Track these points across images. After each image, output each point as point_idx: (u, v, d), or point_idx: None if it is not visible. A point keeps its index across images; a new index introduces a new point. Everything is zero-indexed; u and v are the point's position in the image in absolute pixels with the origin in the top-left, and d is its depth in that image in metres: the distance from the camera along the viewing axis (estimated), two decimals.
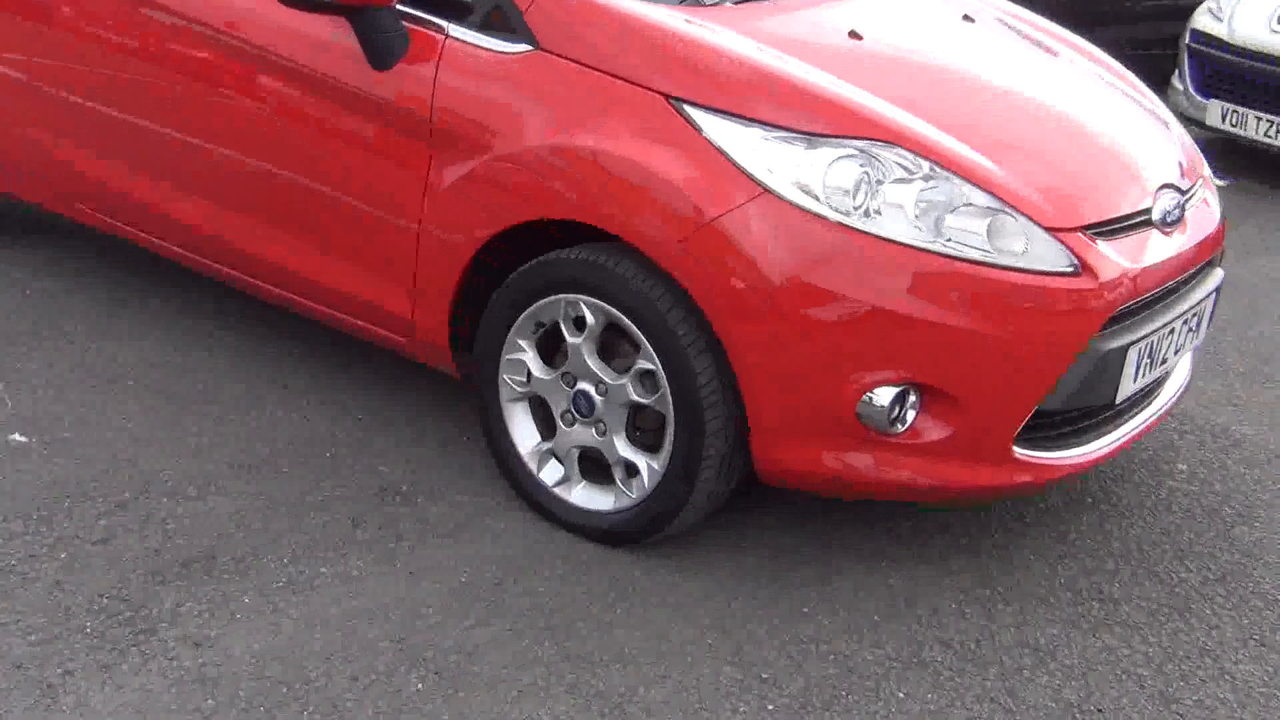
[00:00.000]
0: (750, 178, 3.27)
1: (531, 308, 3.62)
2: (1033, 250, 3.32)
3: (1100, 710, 3.20)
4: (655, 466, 3.54)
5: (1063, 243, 3.36)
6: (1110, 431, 3.73)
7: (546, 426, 3.80)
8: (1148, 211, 3.66)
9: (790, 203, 3.26)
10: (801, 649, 3.32)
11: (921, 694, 3.21)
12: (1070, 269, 3.34)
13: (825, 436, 3.37)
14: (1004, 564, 3.77)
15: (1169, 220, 3.68)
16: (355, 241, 3.93)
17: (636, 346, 3.51)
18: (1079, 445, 3.64)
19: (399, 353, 4.05)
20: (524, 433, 3.79)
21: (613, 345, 3.57)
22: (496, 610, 3.37)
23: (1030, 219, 3.34)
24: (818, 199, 3.25)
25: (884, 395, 3.30)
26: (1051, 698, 3.23)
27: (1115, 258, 3.44)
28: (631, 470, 3.62)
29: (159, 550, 3.49)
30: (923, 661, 3.32)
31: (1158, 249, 3.60)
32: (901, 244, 3.25)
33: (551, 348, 3.72)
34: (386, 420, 4.25)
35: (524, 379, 3.74)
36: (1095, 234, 3.44)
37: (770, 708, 3.11)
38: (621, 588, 3.51)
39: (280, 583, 3.40)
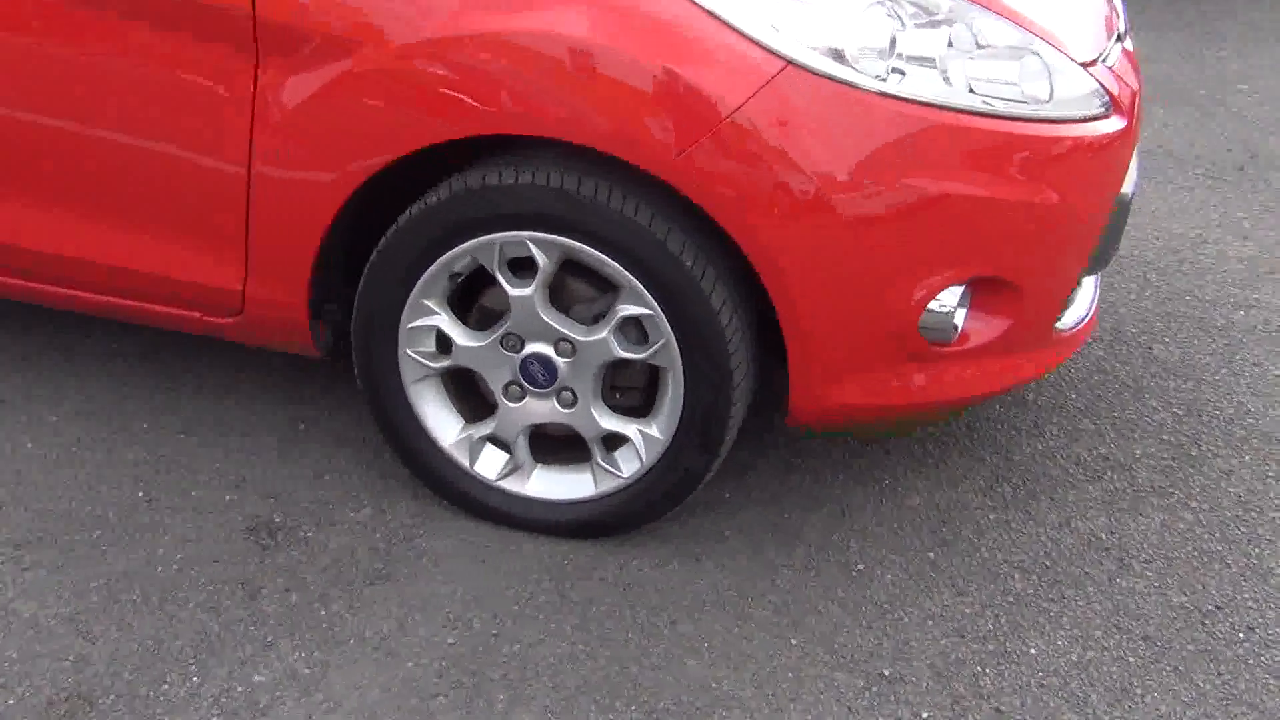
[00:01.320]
0: (769, 50, 2.44)
1: (445, 256, 2.65)
2: (1067, 92, 2.69)
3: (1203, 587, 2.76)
4: (656, 434, 2.71)
5: (1095, 79, 2.75)
6: (1093, 289, 3.25)
7: (469, 406, 2.86)
8: (1105, 54, 3.12)
9: (821, 74, 2.45)
10: (895, 624, 2.67)
11: (1050, 632, 2.65)
12: (1102, 109, 2.75)
13: (879, 360, 2.66)
14: (1009, 467, 3.23)
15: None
16: (149, 201, 2.76)
17: (602, 289, 2.65)
18: (1081, 307, 3.12)
19: (216, 336, 2.93)
20: (442, 420, 2.84)
21: (561, 291, 2.68)
22: (517, 682, 2.49)
23: (1063, 53, 2.71)
24: (851, 65, 2.47)
25: (950, 298, 2.62)
26: (1160, 601, 2.75)
27: (1122, 95, 2.88)
28: (611, 444, 2.77)
29: None
30: (1017, 597, 2.75)
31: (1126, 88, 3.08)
32: (950, 108, 2.54)
33: (461, 306, 2.77)
34: (217, 435, 3.13)
35: (435, 351, 2.77)
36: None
37: (918, 710, 2.46)
38: (653, 600, 2.70)
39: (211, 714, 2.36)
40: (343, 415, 3.21)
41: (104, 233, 2.82)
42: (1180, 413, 3.47)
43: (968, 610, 2.73)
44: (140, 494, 2.91)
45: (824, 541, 2.90)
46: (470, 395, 2.88)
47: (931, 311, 2.61)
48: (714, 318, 2.57)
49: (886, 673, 2.56)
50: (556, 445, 2.85)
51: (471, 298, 2.77)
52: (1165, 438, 3.35)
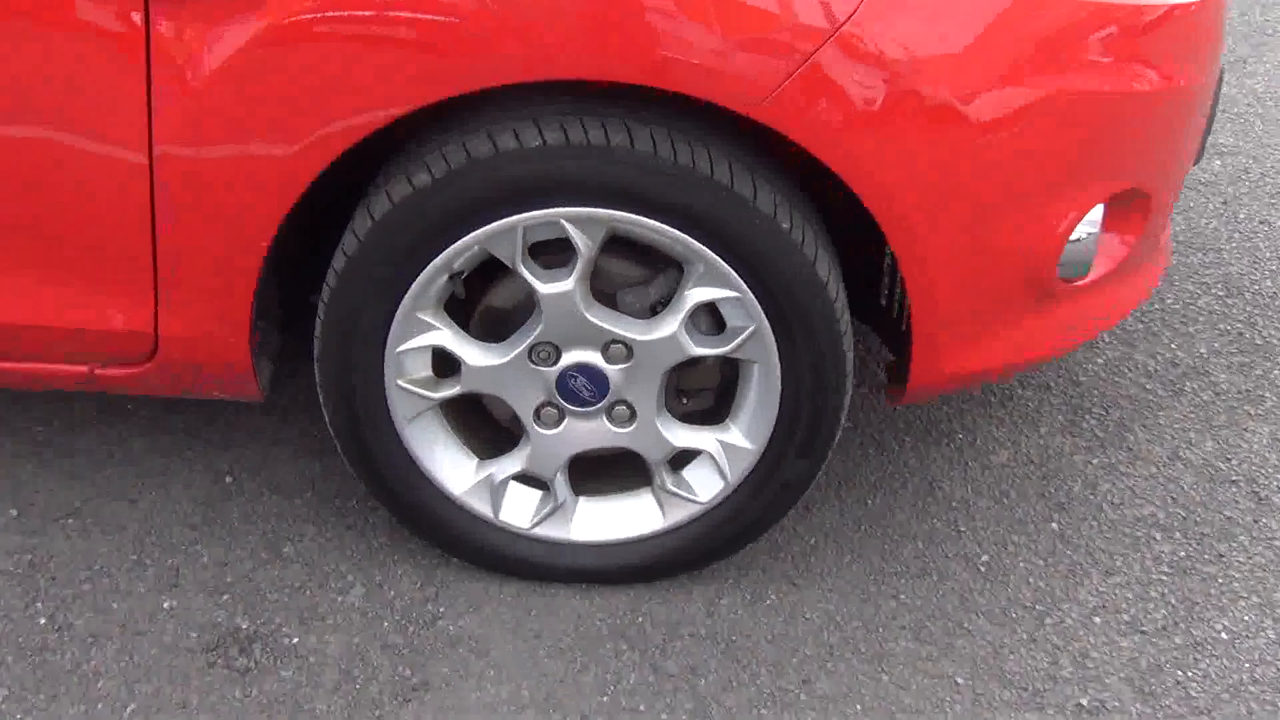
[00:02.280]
0: None
1: (446, 252, 1.93)
2: None
3: None
4: (742, 442, 2.08)
5: None
6: None
7: (479, 437, 2.18)
8: None
9: None
10: (1060, 630, 2.16)
11: (1229, 605, 2.18)
12: None
13: (1012, 311, 2.10)
14: (1081, 393, 2.74)
15: None
16: (18, 225, 1.94)
17: (653, 268, 2.00)
18: None
19: (117, 391, 2.15)
20: (450, 462, 2.14)
21: (598, 278, 2.01)
22: None
23: None
24: None
25: (1091, 223, 2.06)
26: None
27: None
28: (676, 462, 2.14)
29: None
30: (1172, 565, 2.28)
31: None
32: None
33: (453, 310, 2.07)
34: (115, 514, 2.34)
35: (433, 376, 2.07)
36: None
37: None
38: (767, 654, 2.11)
39: None
40: (282, 460, 2.46)
41: None
42: (1220, 293, 3.04)
43: (1128, 595, 2.23)
44: (40, 620, 2.13)
45: (929, 531, 2.35)
46: (478, 422, 2.19)
47: (1073, 242, 2.05)
48: (822, 291, 1.95)
49: (1084, 702, 2.05)
50: (594, 467, 2.20)
51: (461, 297, 2.07)
52: (1221, 326, 2.91)
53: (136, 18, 1.79)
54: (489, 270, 2.06)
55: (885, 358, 2.57)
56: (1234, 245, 3.24)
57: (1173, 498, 2.44)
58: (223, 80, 1.80)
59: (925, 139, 1.87)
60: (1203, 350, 2.84)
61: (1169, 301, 2.99)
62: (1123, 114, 2.02)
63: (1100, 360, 2.79)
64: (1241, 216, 3.36)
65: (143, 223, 1.92)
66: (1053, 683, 2.07)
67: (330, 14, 1.76)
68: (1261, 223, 3.33)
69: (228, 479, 2.41)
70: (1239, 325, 2.92)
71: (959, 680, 2.07)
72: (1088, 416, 2.63)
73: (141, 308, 1.99)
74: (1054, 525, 2.37)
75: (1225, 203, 3.39)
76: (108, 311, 2.00)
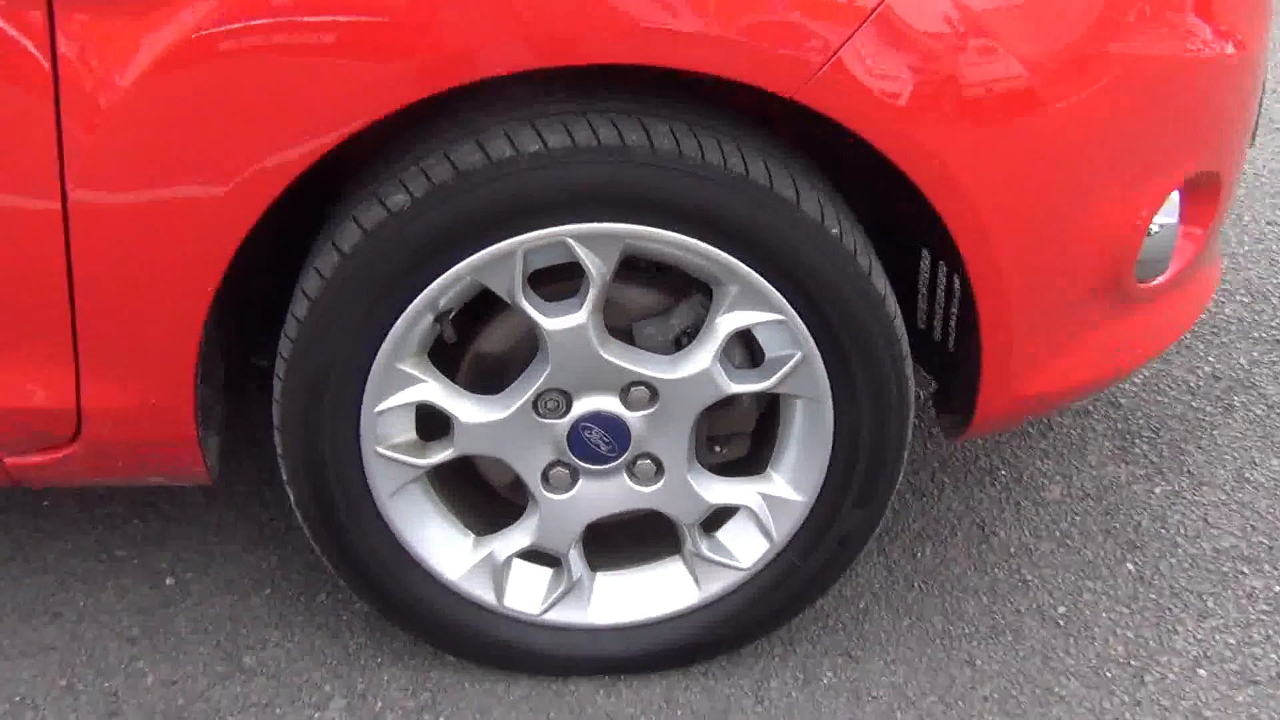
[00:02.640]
0: None
1: (432, 286, 1.60)
2: None
3: None
4: (789, 494, 1.76)
5: None
6: None
7: (470, 508, 1.84)
8: None
9: None
10: (1169, 690, 1.85)
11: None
12: None
13: (1089, 321, 1.81)
14: (1124, 416, 2.45)
15: None
16: None
17: (672, 293, 1.69)
18: None
19: (38, 482, 1.78)
20: (441, 540, 1.79)
21: (609, 310, 1.69)
22: None
23: None
24: None
25: (1170, 211, 1.79)
26: None
27: None
28: (710, 524, 1.81)
29: None
30: (1274, 603, 1.99)
31: None
32: None
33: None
34: (33, 632, 1.97)
35: (416, 440, 1.72)
36: None
37: None
38: None
39: None
40: (232, 553, 2.09)
41: None
42: (1245, 299, 2.80)
43: (1230, 640, 1.94)
44: None
45: (991, 583, 2.04)
46: (470, 492, 1.85)
47: (1152, 235, 1.77)
48: (881, 307, 1.65)
49: None
50: (610, 536, 1.86)
51: (450, 341, 1.73)
52: (1255, 335, 2.67)
53: (40, 41, 1.45)
54: (475, 308, 1.73)
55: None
56: (1246, 250, 3.01)
57: (1251, 525, 2.16)
58: (137, 109, 1.46)
59: (995, 119, 1.58)
60: (1243, 361, 2.58)
61: None
62: (1196, 84, 1.76)
63: (1137, 379, 2.52)
64: (1247, 219, 3.13)
65: (57, 276, 1.56)
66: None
67: (244, 23, 1.44)
68: (1269, 224, 3.12)
69: (168, 580, 2.03)
70: (1274, 331, 2.67)
71: None
72: (1138, 441, 2.35)
73: (59, 378, 1.63)
74: (1129, 566, 2.08)
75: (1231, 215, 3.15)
76: (19, 386, 1.64)
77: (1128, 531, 2.14)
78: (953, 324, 1.89)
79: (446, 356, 1.72)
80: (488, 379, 1.73)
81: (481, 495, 1.85)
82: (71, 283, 1.56)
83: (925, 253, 1.96)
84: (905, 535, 2.13)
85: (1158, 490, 2.23)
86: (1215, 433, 2.37)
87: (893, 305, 1.66)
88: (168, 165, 1.50)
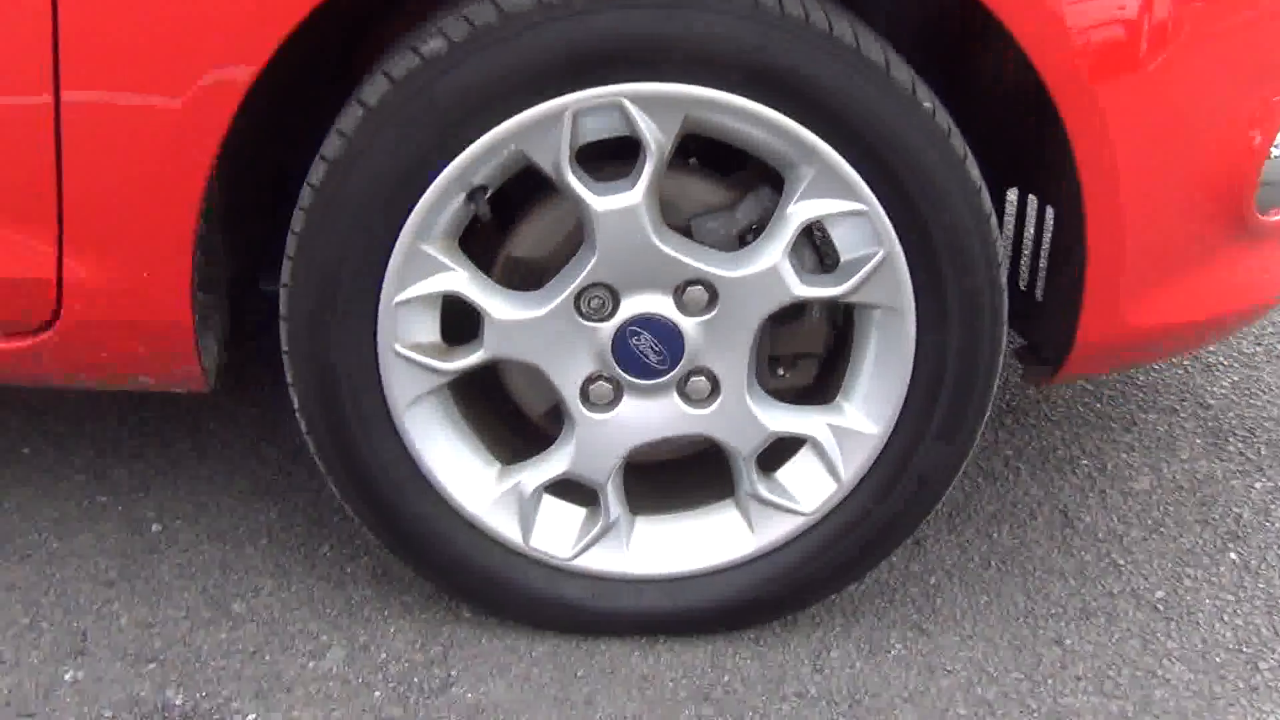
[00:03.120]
0: None
1: (463, 155, 1.40)
2: None
3: None
4: (863, 425, 1.55)
5: None
6: None
7: (496, 436, 1.62)
8: None
9: None
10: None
11: None
12: None
13: (1206, 247, 1.60)
14: (1213, 415, 2.23)
15: None
16: None
17: (740, 191, 1.49)
18: None
19: (11, 377, 1.57)
20: (462, 463, 1.57)
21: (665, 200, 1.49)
22: None
23: None
24: None
25: None
26: None
27: None
28: (767, 461, 1.59)
29: None
30: None
31: None
32: None
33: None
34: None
35: (440, 342, 1.51)
36: None
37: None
38: None
39: None
40: (227, 506, 1.88)
41: None
42: None
43: None
44: None
45: (1078, 566, 1.81)
46: (500, 423, 1.64)
47: (1274, 158, 1.57)
48: (976, 201, 1.45)
49: None
50: (650, 484, 1.64)
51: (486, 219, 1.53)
52: None
53: None
54: (510, 210, 1.54)
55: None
56: None
57: None
58: None
59: (1129, 37, 1.40)
60: None
61: None
62: None
63: (1226, 383, 2.30)
64: None
65: (41, 128, 1.37)
66: None
67: None
68: None
69: (154, 527, 1.81)
70: None
71: None
72: (1231, 439, 2.12)
73: (41, 247, 1.43)
74: (1233, 556, 1.84)
75: None
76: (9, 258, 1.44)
77: (1228, 522, 1.91)
78: (1043, 269, 1.69)
79: (477, 262, 1.52)
80: (522, 289, 1.52)
81: (512, 426, 1.64)
82: (59, 126, 1.38)
83: (1012, 194, 1.78)
84: (979, 517, 1.90)
85: (1258, 486, 2.00)
86: None
87: (988, 201, 1.46)
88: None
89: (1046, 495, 1.96)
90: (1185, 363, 2.35)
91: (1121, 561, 1.82)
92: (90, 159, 1.39)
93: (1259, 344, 2.44)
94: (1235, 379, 2.32)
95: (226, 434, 2.01)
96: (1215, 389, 2.28)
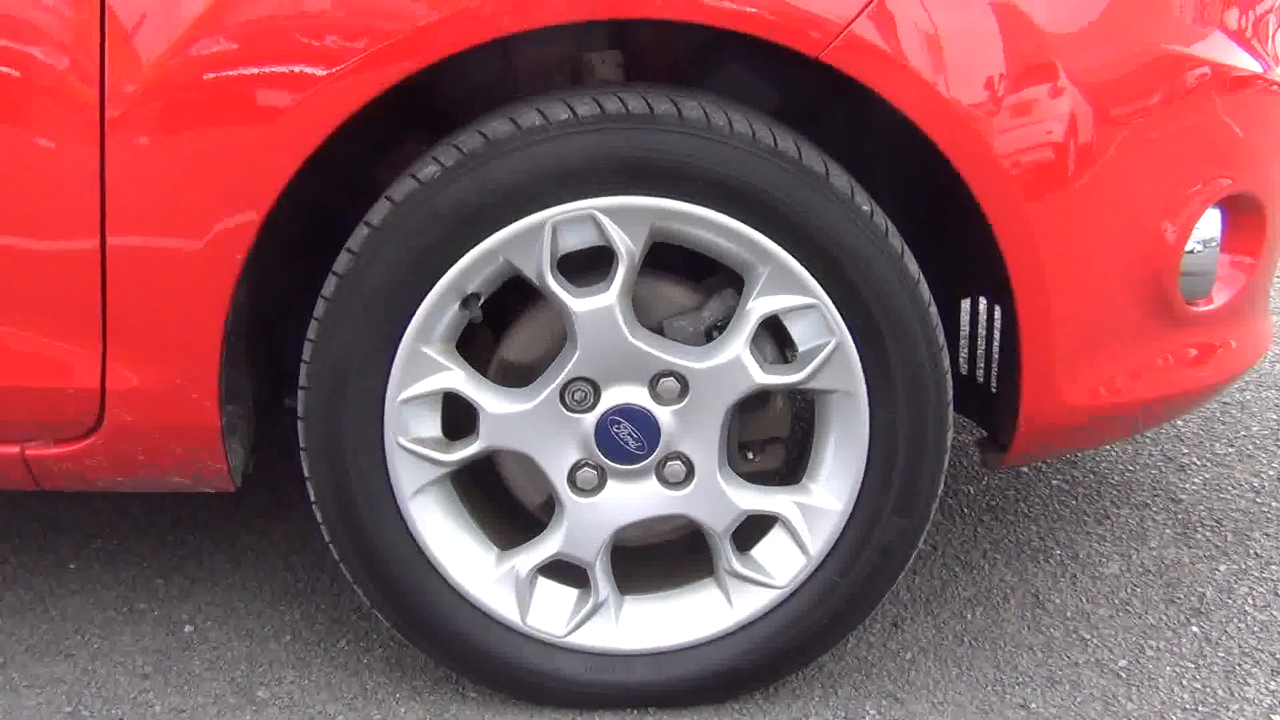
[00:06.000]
0: None
1: (459, 265, 1.60)
2: None
3: None
4: (827, 502, 1.70)
5: None
6: None
7: (494, 524, 1.78)
8: None
9: None
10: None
11: None
12: None
13: (1135, 333, 1.76)
14: (1181, 508, 2.36)
15: None
16: None
17: (706, 295, 1.69)
18: None
19: (59, 481, 1.74)
20: (463, 550, 1.73)
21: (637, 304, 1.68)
22: None
23: None
24: None
25: (1209, 228, 1.77)
26: None
27: None
28: (744, 543, 1.74)
29: None
30: None
31: None
32: None
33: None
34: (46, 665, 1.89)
35: (441, 437, 1.68)
36: None
37: None
38: None
39: None
40: (256, 607, 2.03)
41: None
42: None
43: None
44: None
45: (1046, 641, 1.93)
46: (497, 511, 1.80)
47: (1191, 252, 1.74)
48: (915, 290, 1.62)
49: None
50: (638, 566, 1.79)
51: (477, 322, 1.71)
52: None
53: None
54: (503, 318, 1.72)
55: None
56: None
57: None
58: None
59: (1054, 142, 1.59)
60: None
61: (1254, 429, 2.65)
62: (1233, 103, 1.76)
63: (1197, 480, 2.43)
64: None
65: (90, 252, 1.58)
66: None
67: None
68: None
69: (187, 628, 1.97)
70: None
71: None
72: (1199, 529, 2.25)
73: (86, 358, 1.62)
74: (1194, 629, 1.96)
75: None
76: (46, 366, 1.63)
77: (1191, 600, 2.03)
78: (994, 361, 1.86)
79: (473, 365, 1.70)
80: (517, 380, 1.70)
81: (509, 517, 1.80)
82: (104, 259, 1.58)
83: (965, 303, 1.95)
84: (955, 601, 2.03)
85: (1222, 569, 2.12)
86: None
87: (926, 290, 1.63)
88: (204, 124, 1.53)
89: (1020, 581, 2.09)
90: (1159, 463, 2.48)
91: (1088, 636, 1.94)
92: (129, 291, 1.58)
93: (1231, 445, 2.57)
94: (1207, 476, 2.45)
95: (259, 547, 2.17)
96: (1187, 485, 2.41)
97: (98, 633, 1.95)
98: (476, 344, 1.71)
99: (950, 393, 1.67)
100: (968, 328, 1.97)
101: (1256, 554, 2.17)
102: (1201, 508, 2.32)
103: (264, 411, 1.88)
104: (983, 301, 1.93)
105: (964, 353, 1.97)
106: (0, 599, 2.03)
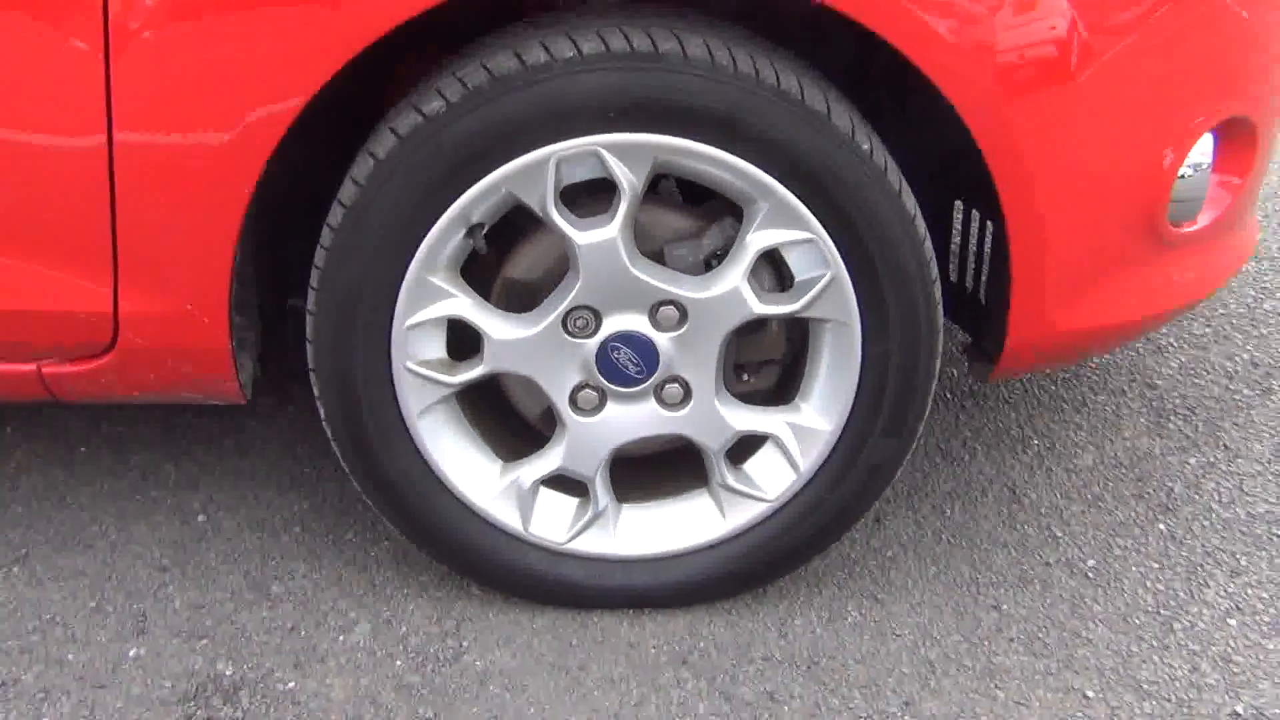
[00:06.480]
0: None
1: (464, 197, 1.63)
2: None
3: None
4: (817, 423, 1.77)
5: None
6: None
7: (497, 436, 1.85)
8: None
9: None
10: (1195, 634, 1.83)
11: None
12: None
13: (1121, 259, 1.81)
14: (1159, 396, 2.44)
15: None
16: None
17: (704, 215, 1.71)
18: None
19: (73, 395, 1.80)
20: (469, 464, 1.81)
21: (639, 231, 1.71)
22: None
23: None
24: None
25: (1202, 153, 1.80)
26: None
27: None
28: (734, 454, 1.81)
29: None
30: None
31: None
32: None
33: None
34: (66, 557, 1.98)
35: (447, 358, 1.74)
36: None
37: None
38: (858, 678, 1.77)
39: None
40: (264, 497, 2.11)
41: None
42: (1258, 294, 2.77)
43: (1263, 595, 1.93)
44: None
45: (1020, 539, 2.03)
46: (500, 423, 1.86)
47: (1184, 177, 1.78)
48: (911, 227, 1.66)
49: (1239, 710, 1.72)
50: (635, 476, 1.87)
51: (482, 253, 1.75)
52: None
53: None
54: (507, 237, 1.76)
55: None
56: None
57: None
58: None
59: (1029, 45, 1.60)
60: (1277, 349, 2.56)
61: (1232, 307, 2.72)
62: (1229, 31, 1.77)
63: (1174, 364, 2.51)
64: (1277, 224, 3.12)
65: (98, 181, 1.60)
66: (1197, 691, 1.74)
67: None
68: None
69: (200, 518, 2.05)
70: None
71: (1088, 694, 1.74)
72: (1173, 418, 2.33)
73: (99, 284, 1.66)
74: (1161, 527, 2.06)
75: (1265, 216, 3.15)
76: (58, 290, 1.67)
77: (1160, 496, 2.13)
78: (984, 275, 1.90)
79: (477, 284, 1.74)
80: (518, 307, 1.75)
81: (511, 428, 1.87)
82: (113, 191, 1.60)
83: (958, 206, 1.98)
84: (935, 495, 2.12)
85: (1192, 461, 2.22)
86: (1252, 412, 2.35)
87: (922, 225, 1.68)
88: (201, 60, 1.53)
89: (998, 473, 2.18)
90: (1138, 345, 2.56)
91: (1060, 534, 2.04)
92: (139, 218, 1.61)
93: (1209, 325, 2.65)
94: (1183, 359, 2.53)
95: (265, 433, 2.24)
96: (1163, 370, 2.49)
97: (113, 523, 2.03)
98: (479, 263, 1.75)
99: (940, 324, 1.72)
100: (958, 235, 2.02)
101: (1225, 445, 2.26)
102: (1175, 394, 2.40)
103: (269, 314, 1.92)
104: (975, 214, 1.96)
105: (954, 260, 2.01)
106: (16, 487, 2.11)
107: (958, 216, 2.00)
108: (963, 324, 2.01)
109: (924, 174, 1.78)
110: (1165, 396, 2.39)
